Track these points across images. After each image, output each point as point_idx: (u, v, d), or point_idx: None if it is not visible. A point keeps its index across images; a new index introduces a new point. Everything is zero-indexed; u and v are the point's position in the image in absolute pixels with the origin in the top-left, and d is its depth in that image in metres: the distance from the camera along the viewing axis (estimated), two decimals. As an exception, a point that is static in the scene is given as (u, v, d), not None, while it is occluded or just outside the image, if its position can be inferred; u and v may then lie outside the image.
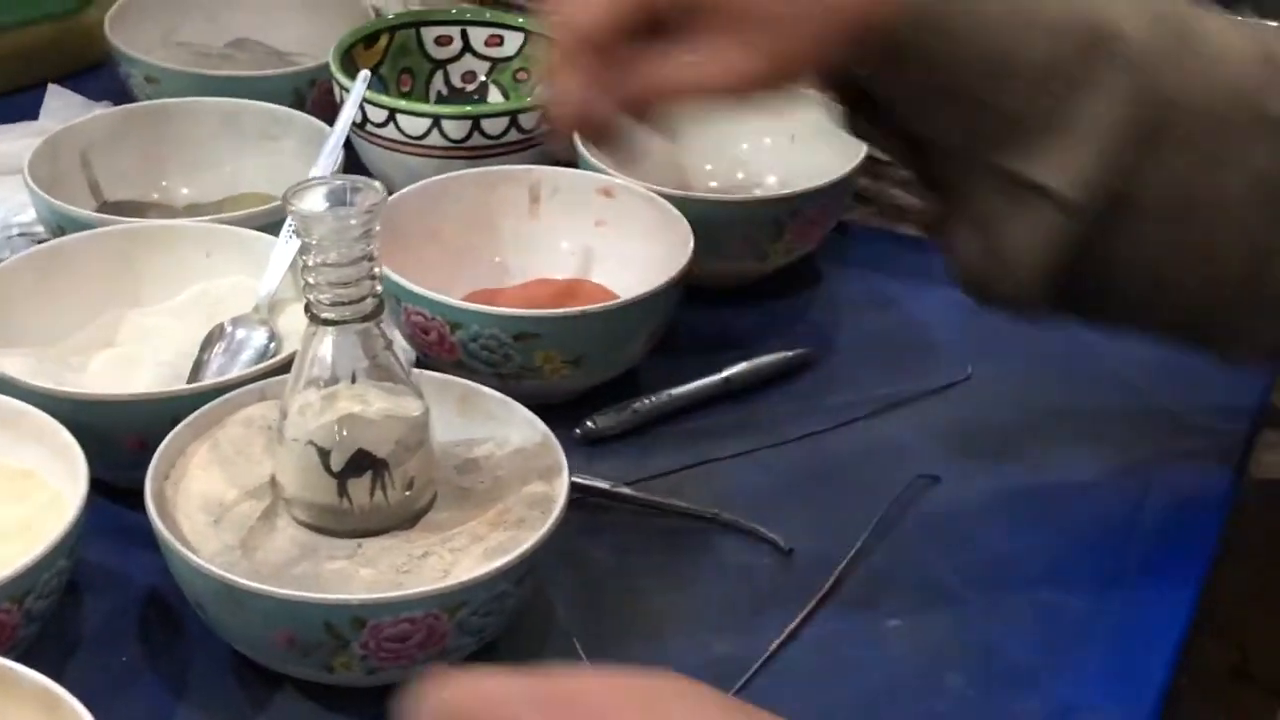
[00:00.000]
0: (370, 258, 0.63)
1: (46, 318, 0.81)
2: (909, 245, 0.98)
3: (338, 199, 0.62)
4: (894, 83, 0.62)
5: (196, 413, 0.70)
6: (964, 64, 0.60)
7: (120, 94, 1.06)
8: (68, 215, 0.85)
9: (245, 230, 0.84)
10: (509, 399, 0.73)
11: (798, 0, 0.59)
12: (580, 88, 0.59)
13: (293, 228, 0.78)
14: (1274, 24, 0.85)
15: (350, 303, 0.64)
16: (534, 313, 0.79)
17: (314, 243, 0.62)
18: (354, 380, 0.66)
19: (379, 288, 0.65)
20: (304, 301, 0.65)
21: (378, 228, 0.63)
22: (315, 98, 1.02)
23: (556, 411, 0.76)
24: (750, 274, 0.94)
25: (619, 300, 0.82)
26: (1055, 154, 0.59)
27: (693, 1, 0.59)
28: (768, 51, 0.59)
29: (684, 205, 0.87)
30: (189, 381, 0.78)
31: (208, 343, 0.81)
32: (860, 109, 0.66)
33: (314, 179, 0.64)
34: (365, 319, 0.65)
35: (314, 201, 0.62)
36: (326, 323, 0.64)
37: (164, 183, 0.96)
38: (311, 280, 0.64)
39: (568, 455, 0.71)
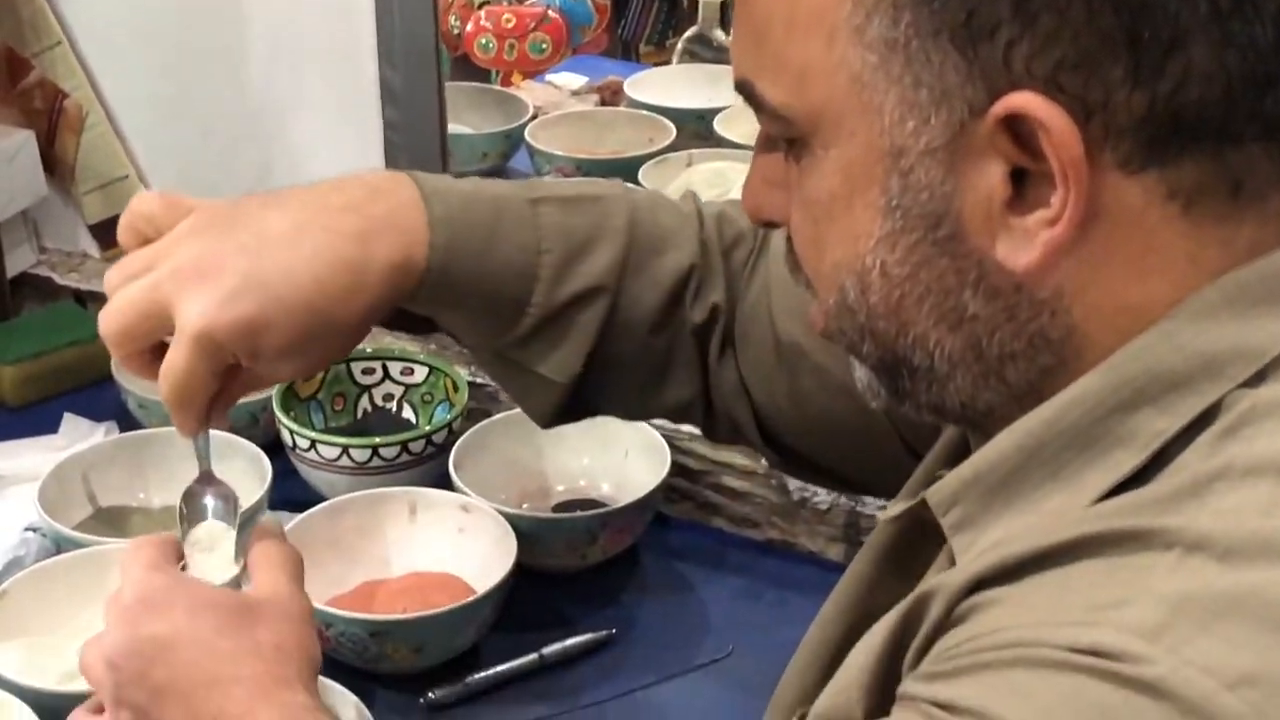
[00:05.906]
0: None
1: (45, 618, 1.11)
2: (714, 536, 1.27)
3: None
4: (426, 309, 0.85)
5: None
6: (470, 303, 0.84)
7: (122, 409, 1.37)
8: (60, 533, 1.16)
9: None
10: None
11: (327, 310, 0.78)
12: (191, 422, 0.82)
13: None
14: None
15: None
16: (383, 617, 1.09)
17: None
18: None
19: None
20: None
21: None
22: (266, 420, 1.32)
23: (407, 683, 1.05)
24: (575, 566, 1.22)
25: (448, 607, 1.10)
26: (543, 353, 0.86)
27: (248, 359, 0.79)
28: (306, 364, 0.82)
29: (517, 520, 1.17)
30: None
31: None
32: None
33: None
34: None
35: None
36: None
37: (142, 494, 1.26)
38: None
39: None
